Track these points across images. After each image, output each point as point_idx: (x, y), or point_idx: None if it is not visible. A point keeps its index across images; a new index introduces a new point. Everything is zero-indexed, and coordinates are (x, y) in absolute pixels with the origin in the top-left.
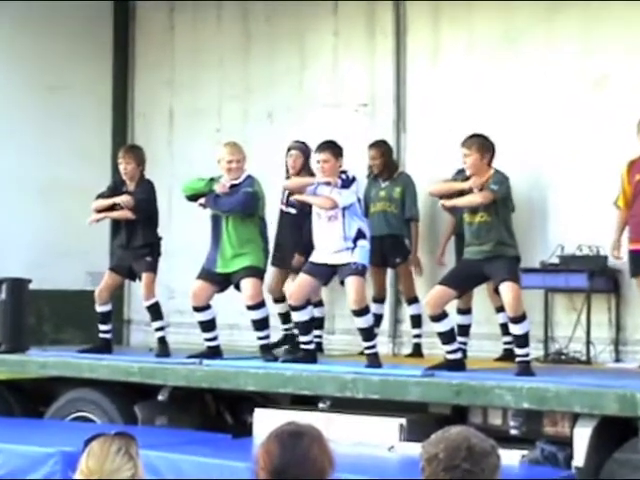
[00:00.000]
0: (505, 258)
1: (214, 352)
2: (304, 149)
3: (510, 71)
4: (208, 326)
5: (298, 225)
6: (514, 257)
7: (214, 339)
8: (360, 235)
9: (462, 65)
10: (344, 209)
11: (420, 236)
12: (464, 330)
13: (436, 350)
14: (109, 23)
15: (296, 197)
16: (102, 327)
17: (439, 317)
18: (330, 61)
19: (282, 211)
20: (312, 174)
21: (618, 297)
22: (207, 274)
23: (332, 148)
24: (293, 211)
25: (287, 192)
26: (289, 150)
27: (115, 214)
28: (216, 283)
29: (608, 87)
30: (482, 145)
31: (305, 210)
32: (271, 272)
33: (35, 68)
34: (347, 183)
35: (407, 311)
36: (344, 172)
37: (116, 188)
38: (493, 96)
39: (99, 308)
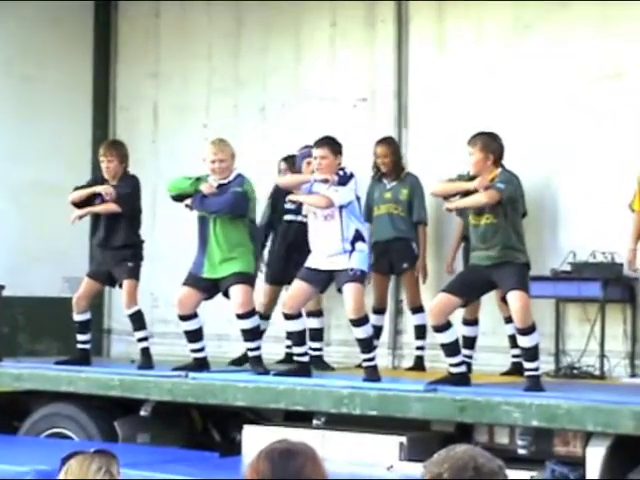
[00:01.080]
0: (514, 265)
1: (201, 364)
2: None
3: (521, 63)
4: (194, 336)
5: None
6: (524, 264)
7: (201, 350)
8: (358, 237)
9: (469, 56)
10: (341, 208)
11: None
12: (470, 342)
13: (439, 363)
14: (90, 10)
15: (290, 197)
16: (80, 337)
17: (443, 327)
18: (327, 53)
19: (291, 221)
20: None
21: (634, 307)
22: (193, 280)
23: (331, 144)
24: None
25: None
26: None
27: (98, 208)
28: (203, 290)
29: (624, 82)
30: (487, 144)
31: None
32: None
33: (8, 56)
34: (345, 180)
35: (411, 321)
36: (342, 169)
37: (96, 183)
38: (502, 90)
39: (77, 317)
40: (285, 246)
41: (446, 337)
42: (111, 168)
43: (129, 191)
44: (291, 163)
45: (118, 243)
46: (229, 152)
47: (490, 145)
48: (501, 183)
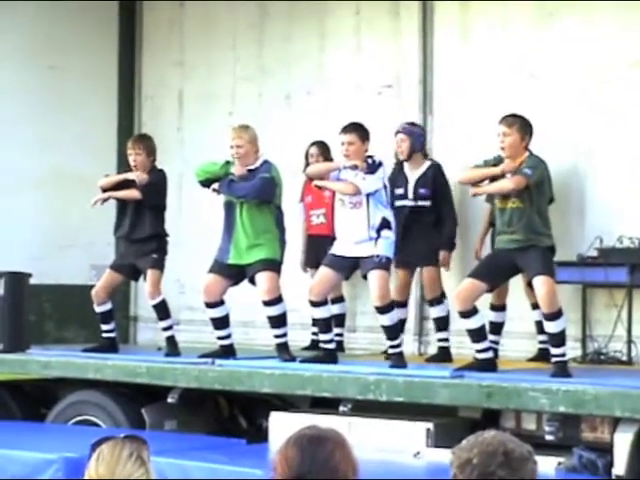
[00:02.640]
0: (539, 249)
1: (227, 351)
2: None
3: (546, 49)
4: (221, 323)
5: (435, 219)
6: (548, 247)
7: (227, 337)
8: (385, 225)
9: (494, 43)
10: (368, 196)
11: None
12: (497, 328)
13: (465, 350)
14: None
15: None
16: (104, 327)
17: (469, 313)
18: (352, 40)
19: (405, 207)
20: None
21: None
22: (219, 267)
23: (358, 130)
24: (426, 203)
25: (414, 184)
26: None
27: (120, 193)
28: (229, 276)
29: None
30: (524, 125)
31: (438, 199)
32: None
33: (35, 46)
34: (373, 168)
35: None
36: (370, 157)
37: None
38: (527, 76)
39: (97, 308)
40: (402, 230)
41: (472, 323)
42: (138, 161)
43: (155, 182)
44: (322, 148)
45: (143, 235)
46: (247, 138)
47: (526, 126)
48: (528, 168)
